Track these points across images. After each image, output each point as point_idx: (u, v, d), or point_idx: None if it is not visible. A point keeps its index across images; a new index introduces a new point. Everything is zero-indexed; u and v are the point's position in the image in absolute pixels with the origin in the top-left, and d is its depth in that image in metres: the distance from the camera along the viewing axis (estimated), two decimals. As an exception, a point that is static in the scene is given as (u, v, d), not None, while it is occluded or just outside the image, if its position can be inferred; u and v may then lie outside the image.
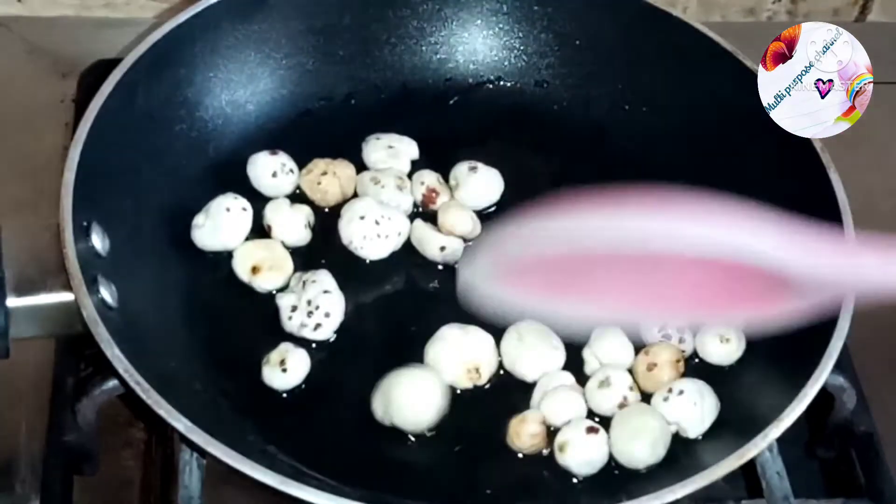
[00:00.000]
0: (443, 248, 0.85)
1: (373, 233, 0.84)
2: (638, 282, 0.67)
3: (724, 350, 0.81)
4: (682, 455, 0.76)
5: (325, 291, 0.81)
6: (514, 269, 0.70)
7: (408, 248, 0.86)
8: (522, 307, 0.73)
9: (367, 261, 0.85)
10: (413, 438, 0.77)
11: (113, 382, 0.72)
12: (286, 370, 0.78)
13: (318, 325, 0.80)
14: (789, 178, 0.84)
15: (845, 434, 0.81)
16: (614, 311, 0.70)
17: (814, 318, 0.66)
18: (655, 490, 0.68)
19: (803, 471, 0.80)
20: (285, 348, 0.79)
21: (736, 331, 0.81)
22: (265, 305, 0.82)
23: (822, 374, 0.73)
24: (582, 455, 0.76)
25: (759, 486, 0.75)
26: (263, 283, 0.83)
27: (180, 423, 0.68)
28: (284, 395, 0.78)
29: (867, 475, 0.79)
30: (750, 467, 0.74)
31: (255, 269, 0.82)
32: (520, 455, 0.77)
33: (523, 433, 0.76)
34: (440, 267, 0.85)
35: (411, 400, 0.76)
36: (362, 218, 0.84)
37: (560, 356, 0.80)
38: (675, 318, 0.75)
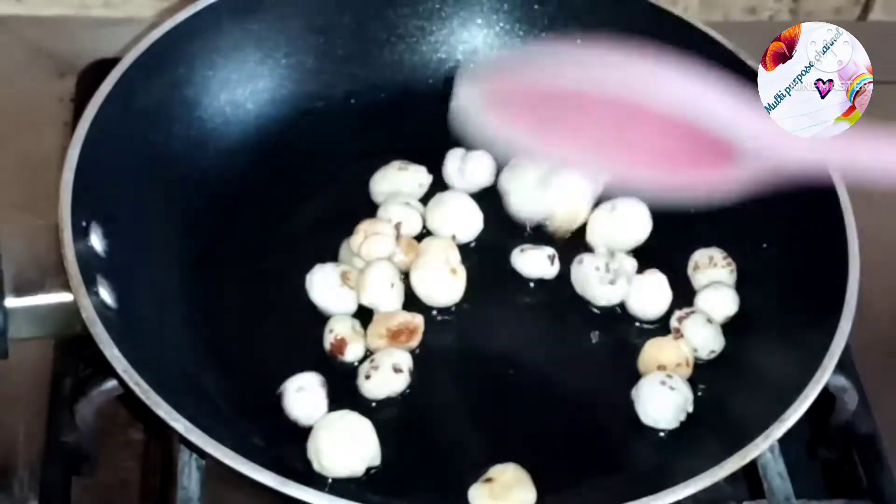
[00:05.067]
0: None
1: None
2: (609, 129, 0.69)
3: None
4: (684, 455, 0.77)
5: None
6: (505, 98, 0.70)
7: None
8: (504, 138, 0.72)
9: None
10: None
11: (112, 383, 0.72)
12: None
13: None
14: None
15: (847, 435, 0.81)
16: (581, 155, 0.71)
17: (752, 189, 0.67)
18: (656, 491, 0.68)
19: (805, 471, 0.80)
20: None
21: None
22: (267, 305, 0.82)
23: (824, 375, 0.73)
24: None
25: (761, 487, 0.75)
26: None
27: (179, 424, 0.68)
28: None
29: (869, 476, 0.79)
30: (751, 468, 0.74)
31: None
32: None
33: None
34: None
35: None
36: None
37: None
38: (632, 172, 0.73)
